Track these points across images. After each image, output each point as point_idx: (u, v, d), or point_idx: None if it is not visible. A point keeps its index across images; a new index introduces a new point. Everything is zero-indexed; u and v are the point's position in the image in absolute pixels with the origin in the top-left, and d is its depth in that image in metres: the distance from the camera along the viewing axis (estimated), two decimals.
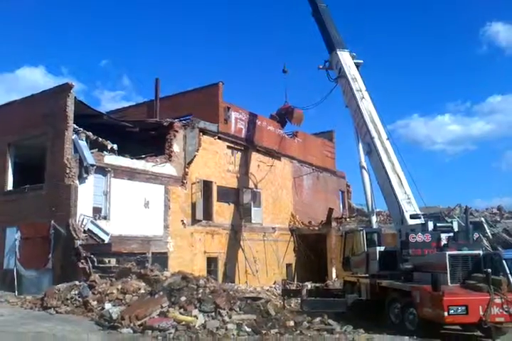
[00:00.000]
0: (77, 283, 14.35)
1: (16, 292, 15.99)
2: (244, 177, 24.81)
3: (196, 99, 24.07)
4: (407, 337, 11.18)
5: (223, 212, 23.08)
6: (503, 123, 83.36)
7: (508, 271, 10.76)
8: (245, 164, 25.10)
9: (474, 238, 12.40)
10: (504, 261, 10.91)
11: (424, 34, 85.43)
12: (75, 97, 17.01)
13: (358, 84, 17.12)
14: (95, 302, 13.05)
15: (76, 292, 13.86)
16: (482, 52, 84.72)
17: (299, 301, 16.54)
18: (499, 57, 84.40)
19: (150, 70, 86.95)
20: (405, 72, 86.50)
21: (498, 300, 10.32)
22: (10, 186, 19.14)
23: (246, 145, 25.05)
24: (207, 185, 21.87)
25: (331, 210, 27.21)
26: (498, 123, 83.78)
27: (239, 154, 24.92)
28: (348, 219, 28.60)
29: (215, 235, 22.25)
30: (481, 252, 11.64)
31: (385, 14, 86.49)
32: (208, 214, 21.73)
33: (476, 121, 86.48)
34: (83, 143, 17.10)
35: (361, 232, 15.59)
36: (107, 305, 12.53)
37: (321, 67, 19.52)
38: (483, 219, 16.68)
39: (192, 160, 21.33)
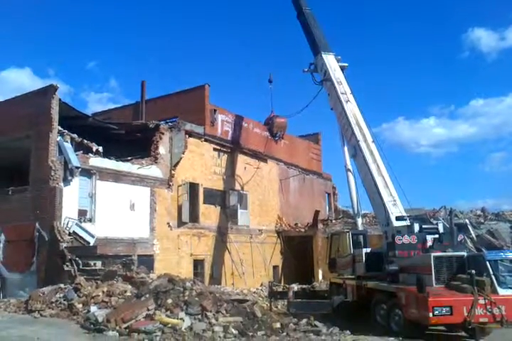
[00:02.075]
0: (62, 286, 14.20)
1: (0, 295, 15.79)
2: (231, 180, 24.79)
3: (183, 101, 24.03)
4: (392, 338, 11.31)
5: (210, 215, 23.03)
6: (486, 126, 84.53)
7: (492, 272, 10.90)
8: (231, 166, 25.08)
9: (459, 239, 12.56)
10: (487, 262, 11.04)
11: (408, 38, 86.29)
12: (60, 99, 16.84)
13: (343, 87, 17.15)
14: (80, 305, 12.93)
15: (61, 295, 13.71)
16: (464, 57, 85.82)
17: (286, 303, 16.58)
18: (481, 62, 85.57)
19: (137, 72, 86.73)
20: (390, 76, 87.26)
21: (481, 301, 10.47)
22: None
23: (232, 147, 25.02)
24: (193, 187, 21.77)
25: (317, 212, 27.34)
26: (481, 126, 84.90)
27: (225, 156, 24.88)
28: (334, 221, 28.71)
29: (202, 237, 22.19)
30: (465, 253, 11.81)
31: (369, 19, 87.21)
32: (194, 217, 21.64)
33: (460, 124, 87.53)
34: (68, 145, 16.95)
35: (347, 234, 15.71)
36: (93, 308, 12.41)
37: (306, 70, 19.50)
38: (467, 220, 16.91)
39: (178, 162, 21.25)
